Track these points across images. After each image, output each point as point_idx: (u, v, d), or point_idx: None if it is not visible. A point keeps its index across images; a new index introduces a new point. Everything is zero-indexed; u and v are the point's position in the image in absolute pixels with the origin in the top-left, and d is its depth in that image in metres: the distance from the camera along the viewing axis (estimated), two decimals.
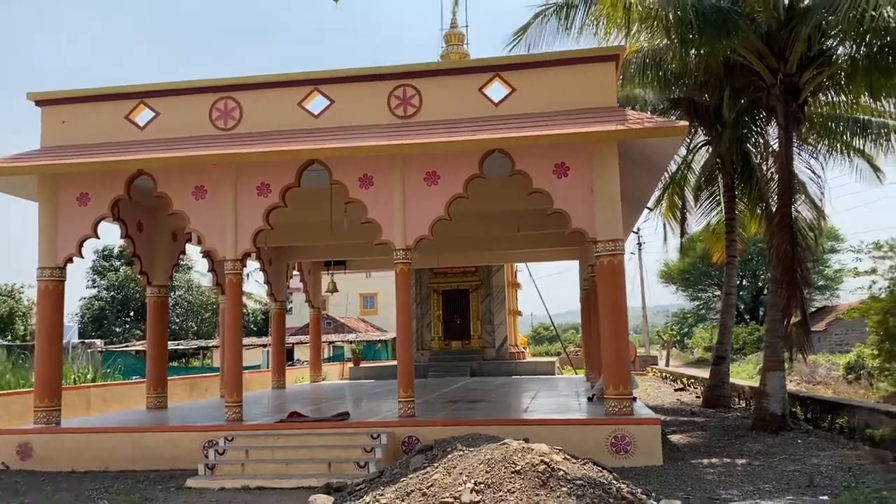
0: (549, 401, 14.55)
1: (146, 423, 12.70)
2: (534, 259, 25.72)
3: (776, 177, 13.54)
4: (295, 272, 24.03)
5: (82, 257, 12.65)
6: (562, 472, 7.76)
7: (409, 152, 11.50)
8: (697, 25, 11.92)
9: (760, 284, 48.44)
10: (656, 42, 14.04)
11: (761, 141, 16.70)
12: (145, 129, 12.56)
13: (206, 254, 17.88)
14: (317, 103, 12.27)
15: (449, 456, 8.54)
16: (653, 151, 11.73)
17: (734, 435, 12.97)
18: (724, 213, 18.29)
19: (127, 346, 38.97)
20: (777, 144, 13.94)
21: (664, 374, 29.30)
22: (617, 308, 11.03)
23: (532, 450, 8.15)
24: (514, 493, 7.48)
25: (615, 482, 8.00)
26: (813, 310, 42.42)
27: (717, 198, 19.27)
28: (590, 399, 13.80)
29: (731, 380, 18.95)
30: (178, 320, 48.65)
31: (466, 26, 27.19)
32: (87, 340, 40.44)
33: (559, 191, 11.26)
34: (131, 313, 51.05)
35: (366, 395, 17.87)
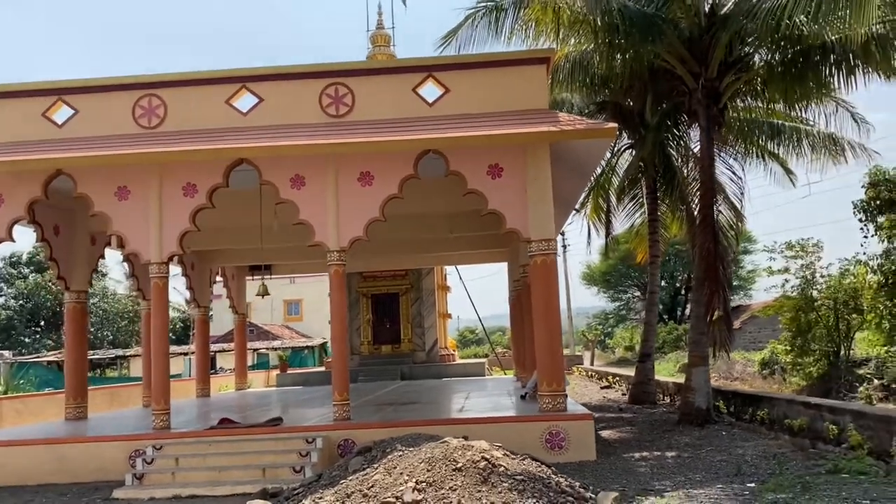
0: (482, 401, 14.62)
1: (67, 434, 12.11)
2: (464, 262, 25.82)
3: (698, 178, 13.98)
4: (218, 277, 23.48)
5: (36, 254, 12.01)
6: (502, 468, 7.81)
7: (342, 152, 11.39)
8: (624, 30, 12.24)
9: (678, 285, 49.96)
10: (584, 46, 14.34)
11: (682, 144, 17.24)
12: (64, 127, 12.04)
13: (127, 258, 17.25)
14: (245, 101, 12.02)
15: (389, 456, 8.48)
16: (582, 153, 11.96)
17: (662, 429, 13.33)
18: (647, 215, 18.81)
19: (39, 357, 37.19)
20: (698, 147, 14.40)
21: (590, 373, 29.92)
22: (550, 306, 11.19)
23: (472, 447, 8.17)
24: (455, 490, 7.48)
25: (554, 476, 8.11)
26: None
27: (641, 200, 19.80)
28: (522, 397, 13.95)
29: (656, 377, 19.47)
30: (92, 329, 46.74)
31: (393, 28, 27.11)
32: None
33: (493, 191, 11.34)
34: (42, 323, 48.80)
35: (295, 401, 17.57)
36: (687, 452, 10.72)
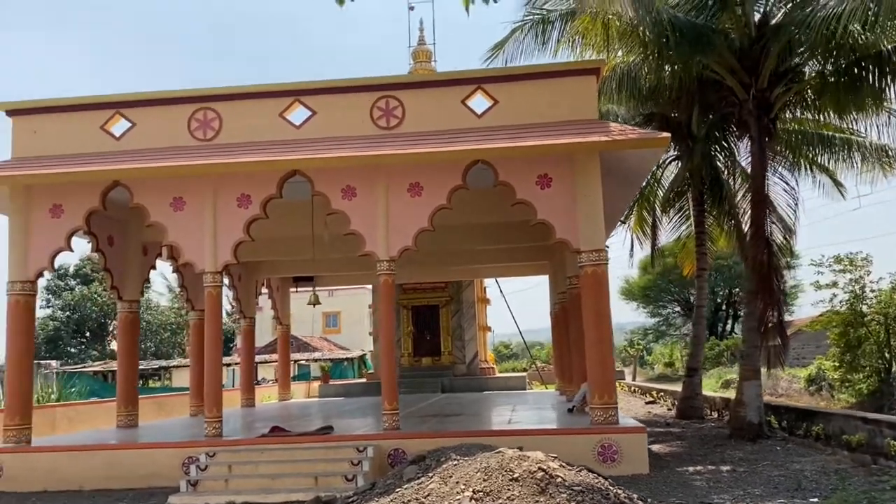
0: (529, 413, 14.55)
1: (121, 441, 12.31)
2: (505, 274, 25.79)
3: (748, 190, 13.79)
4: (264, 289, 23.75)
5: (54, 271, 12.33)
6: (560, 479, 7.74)
7: (393, 163, 11.49)
8: (674, 41, 12.17)
9: (719, 300, 49.20)
10: (632, 58, 14.29)
11: (730, 156, 17.07)
12: (121, 140, 12.32)
13: (177, 269, 17.55)
14: (298, 114, 12.19)
15: (444, 465, 8.47)
16: (631, 164, 11.90)
17: (713, 444, 13.12)
18: (694, 227, 18.61)
19: (84, 367, 37.91)
20: (748, 159, 14.24)
21: (632, 388, 29.57)
22: (601, 317, 11.12)
23: (528, 457, 8.12)
24: (513, 500, 7.43)
25: (612, 488, 8.02)
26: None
27: (687, 212, 19.62)
28: (569, 410, 13.85)
29: (703, 392, 19.19)
30: None
31: (434, 43, 27.28)
32: (42, 361, 39.26)
33: (542, 201, 11.33)
34: (87, 333, 49.78)
35: (340, 411, 17.65)
36: (742, 467, 10.54)
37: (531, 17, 14.43)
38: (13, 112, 12.53)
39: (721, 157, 17.41)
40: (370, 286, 27.86)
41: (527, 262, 22.50)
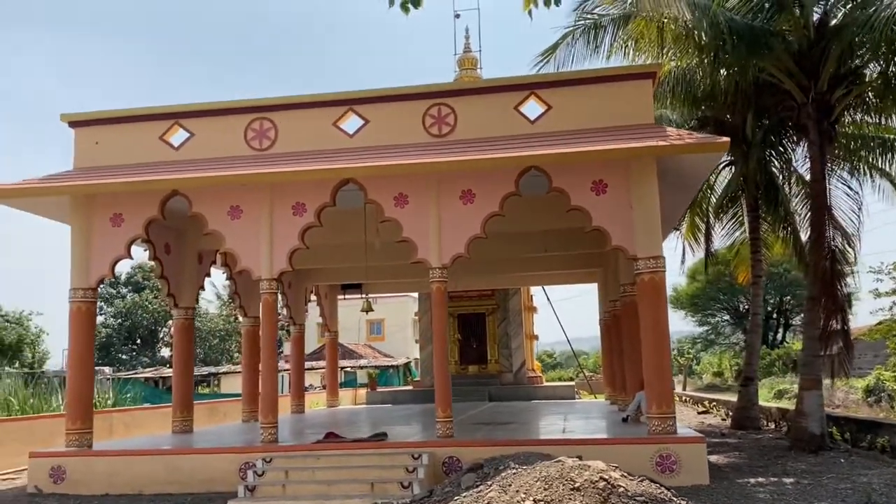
0: (582, 423, 14.39)
1: (179, 446, 12.50)
2: (552, 282, 25.61)
3: (806, 195, 13.46)
4: (312, 296, 23.94)
5: (114, 278, 12.60)
6: (622, 489, 7.62)
7: (445, 170, 11.49)
8: (731, 44, 11.97)
9: (770, 309, 48.11)
10: (686, 62, 14.09)
11: (786, 161, 16.73)
12: (180, 150, 12.57)
13: (231, 276, 17.79)
14: (352, 123, 12.30)
15: (502, 474, 8.40)
16: (688, 169, 11.70)
17: (773, 455, 12.79)
18: (748, 234, 18.24)
19: (136, 374, 38.70)
20: (806, 163, 13.92)
21: (683, 398, 29.05)
22: (658, 325, 10.94)
23: (589, 467, 8.01)
24: None
25: (675, 499, 7.87)
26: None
27: (740, 218, 19.25)
28: (624, 420, 13.63)
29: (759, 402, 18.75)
30: None
31: (480, 51, 27.31)
32: (96, 367, 40.19)
33: (598, 208, 11.22)
34: (138, 340, 50.88)
35: (390, 418, 17.66)
36: (806, 479, 10.24)
37: (582, 22, 14.30)
38: (75, 123, 12.88)
39: (776, 162, 17.07)
40: (416, 294, 27.91)
41: (576, 270, 22.28)
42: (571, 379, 41.79)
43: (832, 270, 12.54)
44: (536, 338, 28.66)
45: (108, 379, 35.41)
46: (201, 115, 12.64)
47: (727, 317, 56.43)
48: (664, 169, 11.44)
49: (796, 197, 18.47)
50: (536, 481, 7.92)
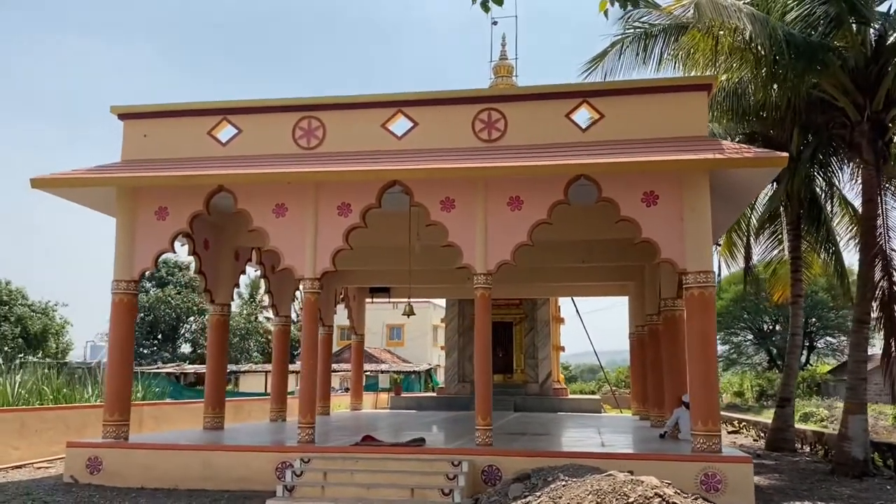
0: (617, 437, 14.18)
1: (214, 443, 12.43)
2: (581, 293, 25.38)
3: (862, 215, 13.19)
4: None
5: (157, 269, 12.59)
6: None
7: (495, 176, 11.39)
8: (788, 58, 11.78)
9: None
10: (738, 75, 13.89)
11: (831, 179, 16.48)
12: (227, 146, 12.55)
13: (264, 275, 17.80)
14: (400, 125, 12.23)
15: (552, 485, 8.27)
16: (739, 184, 11.50)
17: (814, 479, 12.53)
18: (788, 252, 17.98)
19: (159, 368, 38.83)
20: (853, 183, 13.68)
21: None
22: (707, 341, 10.73)
23: (642, 482, 7.85)
24: None
25: None
26: (846, 359, 41.74)
27: (779, 236, 18.98)
28: (661, 436, 13.41)
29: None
30: (204, 344, 48.59)
31: (516, 58, 27.18)
32: None
33: (648, 219, 11.05)
34: (159, 336, 51.11)
35: (419, 424, 17.54)
36: None
37: (632, 31, 14.18)
38: (125, 116, 12.91)
39: (821, 181, 16.83)
40: (439, 301, 27.76)
41: (607, 283, 22.10)
42: (593, 392, 41.44)
43: (891, 293, 12.26)
44: (563, 349, 28.43)
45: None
46: (250, 111, 12.61)
47: (751, 336, 55.82)
48: (715, 183, 11.25)
49: (836, 217, 18.22)
50: (588, 494, 7.77)
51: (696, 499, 7.92)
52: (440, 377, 48.03)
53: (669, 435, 13.25)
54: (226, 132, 12.62)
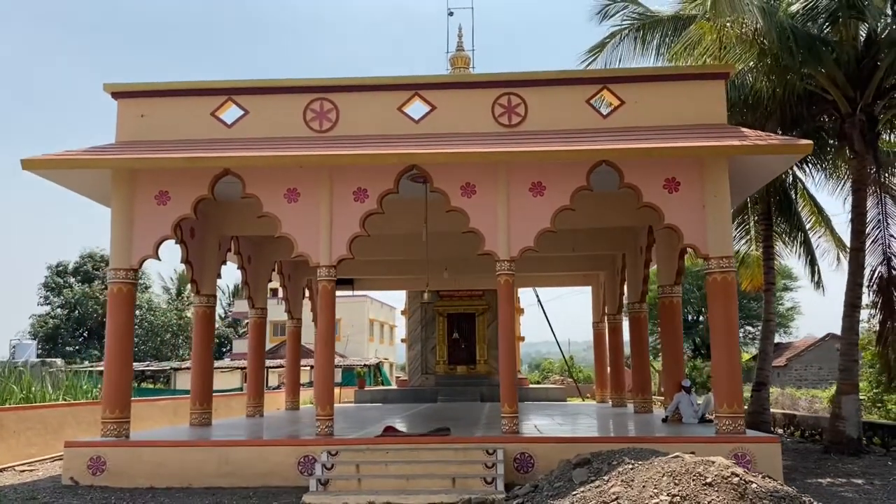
0: (621, 421, 14.37)
1: (230, 438, 11.85)
2: (544, 284, 25.61)
3: (853, 205, 13.71)
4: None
5: (159, 259, 11.92)
6: (755, 486, 7.52)
7: (518, 161, 11.28)
8: (796, 50, 12.11)
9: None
10: (742, 66, 14.16)
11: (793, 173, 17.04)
12: (233, 127, 11.98)
13: (242, 266, 17.15)
14: (416, 108, 11.96)
15: (618, 469, 8.22)
16: (754, 171, 11.76)
17: (813, 458, 12.97)
18: (760, 241, 18.53)
19: (93, 366, 36.94)
20: (849, 174, 14.20)
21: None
22: (730, 325, 10.94)
23: (713, 462, 7.90)
24: None
25: (801, 496, 7.84)
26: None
27: (747, 227, 19.56)
28: (664, 420, 13.63)
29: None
30: (137, 341, 46.63)
31: (473, 50, 27.14)
32: (47, 359, 38.31)
33: (670, 206, 11.17)
34: (86, 333, 48.73)
35: (403, 416, 17.25)
36: (876, 480, 10.39)
37: (629, 22, 14.32)
38: (119, 94, 12.13)
39: (793, 172, 17.41)
40: (404, 291, 27.42)
41: (572, 273, 22.40)
42: (538, 382, 41.89)
43: (889, 277, 12.80)
44: (523, 339, 28.59)
45: (62, 371, 33.79)
46: (257, 91, 12.08)
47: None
48: (731, 170, 11.47)
49: (801, 207, 18.93)
50: (662, 476, 7.76)
51: (764, 476, 8.04)
52: (389, 372, 47.65)
53: (671, 419, 13.47)
54: (230, 113, 12.05)
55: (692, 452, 8.61)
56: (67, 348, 47.03)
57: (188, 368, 37.39)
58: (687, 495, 7.39)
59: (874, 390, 22.75)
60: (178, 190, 11.70)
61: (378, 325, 56.61)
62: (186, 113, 12.05)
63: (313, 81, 12.06)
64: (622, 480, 7.91)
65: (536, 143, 11.28)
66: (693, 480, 7.60)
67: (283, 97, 12.03)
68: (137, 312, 46.03)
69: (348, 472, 10.00)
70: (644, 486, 7.67)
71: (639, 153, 10.96)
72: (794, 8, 12.77)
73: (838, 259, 19.06)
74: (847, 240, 18.82)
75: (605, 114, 11.73)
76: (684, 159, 11.12)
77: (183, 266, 15.77)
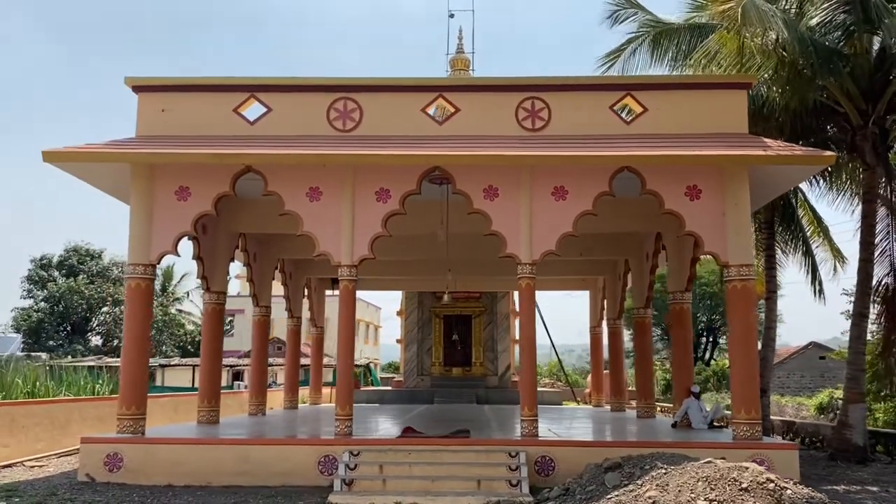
0: (627, 426, 14.45)
1: (250, 436, 11.79)
2: (542, 288, 25.62)
3: (864, 214, 13.91)
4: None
5: (178, 255, 11.82)
6: (790, 492, 7.63)
7: (542, 165, 11.34)
8: (816, 62, 12.26)
9: (700, 327, 49.51)
10: (760, 76, 14.29)
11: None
12: (255, 125, 11.90)
13: (247, 263, 17.02)
14: (440, 110, 11.97)
15: (652, 473, 8.30)
16: (771, 181, 11.91)
17: (821, 465, 13.12)
18: (763, 250, 18.73)
19: (79, 362, 36.49)
20: (861, 185, 14.38)
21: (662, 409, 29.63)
22: (749, 332, 11.08)
23: (747, 468, 8.00)
24: None
25: (834, 502, 7.96)
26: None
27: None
28: (673, 426, 13.75)
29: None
30: (117, 336, 46.04)
31: (473, 52, 27.25)
32: (31, 354, 37.80)
33: (691, 213, 11.27)
34: (69, 328, 48.01)
35: (408, 417, 17.23)
36: (892, 487, 10.55)
37: (645, 30, 14.43)
38: (140, 88, 12.02)
39: (807, 182, 17.58)
40: (401, 292, 27.40)
41: (572, 277, 22.50)
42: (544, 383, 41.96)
43: (894, 289, 13.00)
44: (517, 342, 28.64)
45: (48, 366, 33.35)
46: (281, 89, 12.01)
47: (658, 332, 58.07)
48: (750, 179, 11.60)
49: (803, 219, 19.14)
50: (697, 481, 7.85)
51: (796, 482, 8.15)
52: (379, 372, 47.47)
53: (680, 424, 13.58)
54: (253, 110, 11.98)
55: (723, 458, 8.72)
56: (51, 342, 46.26)
57: (177, 365, 37.28)
58: (724, 500, 7.48)
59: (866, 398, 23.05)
60: (199, 186, 11.62)
61: (364, 325, 56.45)
62: (208, 108, 11.96)
63: (337, 80, 12.03)
64: (657, 485, 7.98)
65: (560, 148, 11.34)
66: (729, 486, 7.70)
67: (306, 95, 11.98)
68: (118, 309, 45.92)
69: (372, 473, 9.98)
70: (680, 491, 7.75)
71: (663, 160, 11.06)
72: (814, 21, 12.93)
73: (835, 269, 19.33)
74: (844, 250, 19.28)
75: (628, 120, 11.82)
76: (706, 167, 11.25)
77: (167, 262, 15.74)
